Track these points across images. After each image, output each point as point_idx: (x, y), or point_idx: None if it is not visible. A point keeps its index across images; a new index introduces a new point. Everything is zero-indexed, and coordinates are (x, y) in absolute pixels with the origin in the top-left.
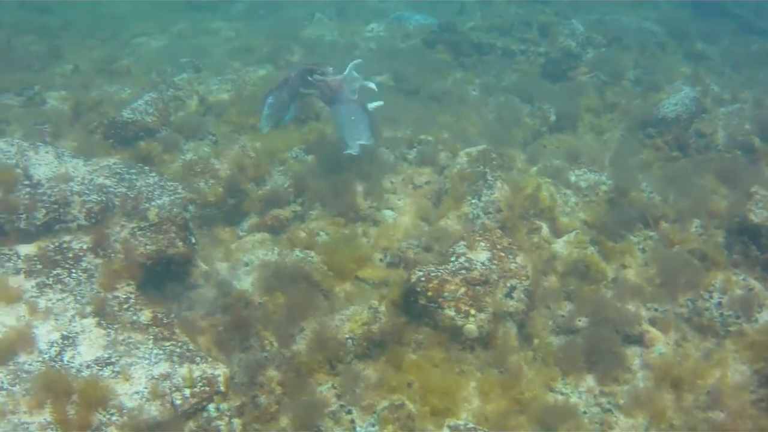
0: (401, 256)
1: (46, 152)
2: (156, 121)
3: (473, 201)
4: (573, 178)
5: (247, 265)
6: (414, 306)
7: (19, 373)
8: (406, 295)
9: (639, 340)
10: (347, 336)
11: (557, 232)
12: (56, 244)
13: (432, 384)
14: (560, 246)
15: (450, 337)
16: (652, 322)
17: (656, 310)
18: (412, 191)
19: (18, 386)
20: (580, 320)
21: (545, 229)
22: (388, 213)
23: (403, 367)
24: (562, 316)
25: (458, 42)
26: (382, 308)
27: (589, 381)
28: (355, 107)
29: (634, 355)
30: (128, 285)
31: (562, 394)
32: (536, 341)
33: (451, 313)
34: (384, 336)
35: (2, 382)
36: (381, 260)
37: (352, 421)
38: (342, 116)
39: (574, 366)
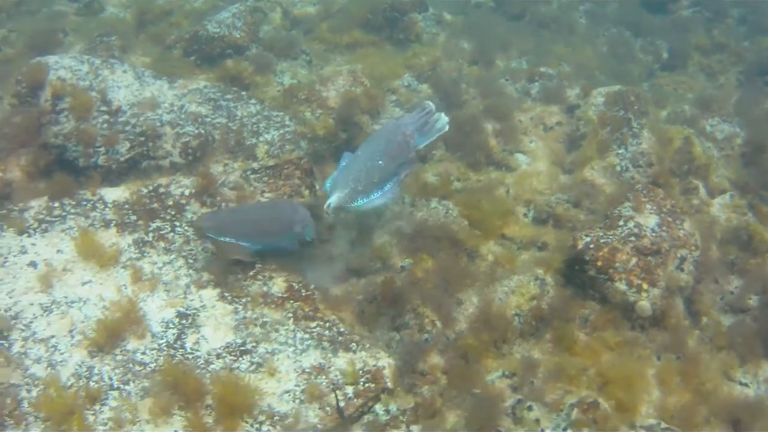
0: (549, 211)
1: (124, 72)
2: (245, 36)
3: (619, 151)
4: (708, 128)
5: (377, 215)
6: (579, 276)
7: (130, 366)
8: (571, 264)
9: None
10: (514, 312)
11: (710, 193)
12: (150, 187)
13: (613, 373)
14: (716, 209)
15: (620, 314)
16: None
17: None
18: (543, 133)
19: (133, 384)
20: (750, 298)
21: (702, 190)
22: (521, 157)
23: (575, 350)
24: (731, 292)
25: None
26: (549, 279)
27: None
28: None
29: None
30: None
31: (741, 383)
32: (704, 320)
33: (622, 287)
34: (551, 312)
35: (111, 379)
36: (525, 215)
37: (537, 421)
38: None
39: (752, 351)
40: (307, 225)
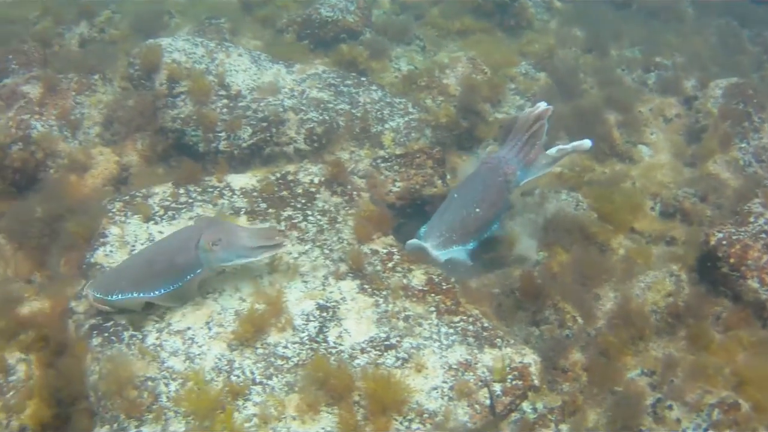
0: (676, 205)
1: (239, 55)
2: (359, 21)
3: (742, 145)
4: None
5: (508, 207)
6: (711, 273)
7: (272, 360)
8: (704, 260)
9: None
10: (651, 309)
11: None
12: (278, 175)
13: (750, 373)
14: None
15: (752, 312)
16: None
17: None
18: (664, 125)
19: (276, 379)
20: None
21: None
22: (644, 149)
23: (711, 349)
24: None
25: None
26: (683, 276)
27: None
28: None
29: None
30: (385, 236)
31: None
32: None
33: (755, 284)
34: (686, 309)
35: (254, 373)
36: (652, 209)
37: (678, 421)
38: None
39: None
40: (224, 246)
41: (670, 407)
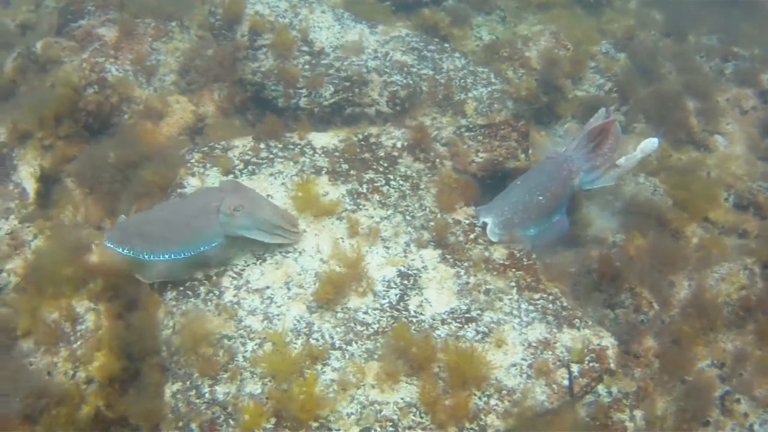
0: (751, 199)
1: (323, 12)
2: None
3: None
4: None
5: (582, 189)
6: None
7: (352, 325)
8: None
9: None
10: (723, 301)
11: None
12: (360, 136)
13: None
14: None
15: None
16: None
17: None
18: (740, 116)
19: (356, 345)
20: None
21: None
22: (720, 139)
23: None
24: None
25: None
26: (756, 269)
27: None
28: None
29: None
30: (468, 206)
31: None
32: None
33: None
34: (758, 304)
35: (332, 337)
36: (726, 200)
37: (746, 415)
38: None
39: None
40: (245, 214)
41: (738, 401)
